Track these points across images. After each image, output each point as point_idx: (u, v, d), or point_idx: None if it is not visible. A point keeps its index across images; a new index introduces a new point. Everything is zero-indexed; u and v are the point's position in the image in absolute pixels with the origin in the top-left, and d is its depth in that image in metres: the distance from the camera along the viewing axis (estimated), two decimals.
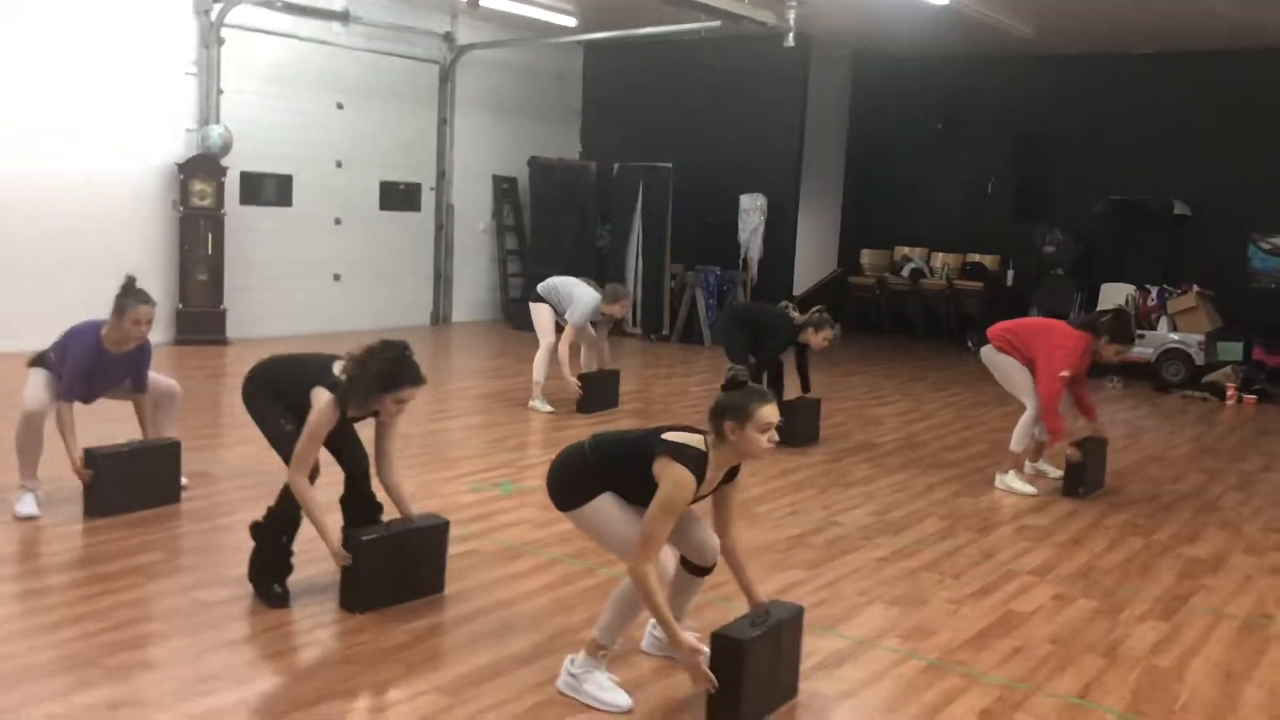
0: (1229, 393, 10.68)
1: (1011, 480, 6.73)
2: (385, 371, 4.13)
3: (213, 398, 8.85)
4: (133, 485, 5.37)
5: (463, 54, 13.54)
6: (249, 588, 4.44)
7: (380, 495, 4.61)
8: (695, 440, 3.48)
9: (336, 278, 12.67)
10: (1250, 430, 9.30)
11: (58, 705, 3.39)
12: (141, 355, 5.46)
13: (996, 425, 8.91)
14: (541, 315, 8.72)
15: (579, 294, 8.52)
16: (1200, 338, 11.40)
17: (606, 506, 3.58)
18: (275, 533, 4.38)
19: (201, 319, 11.09)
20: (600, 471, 3.60)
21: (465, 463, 6.86)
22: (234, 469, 6.37)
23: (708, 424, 3.50)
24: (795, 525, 5.77)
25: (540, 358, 8.68)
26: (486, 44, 13.61)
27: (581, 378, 8.59)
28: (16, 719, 3.28)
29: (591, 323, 8.73)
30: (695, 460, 3.42)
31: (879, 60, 14.71)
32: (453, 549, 5.03)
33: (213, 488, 5.81)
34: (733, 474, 3.63)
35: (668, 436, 3.49)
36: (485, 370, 10.95)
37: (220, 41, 11.16)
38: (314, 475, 4.34)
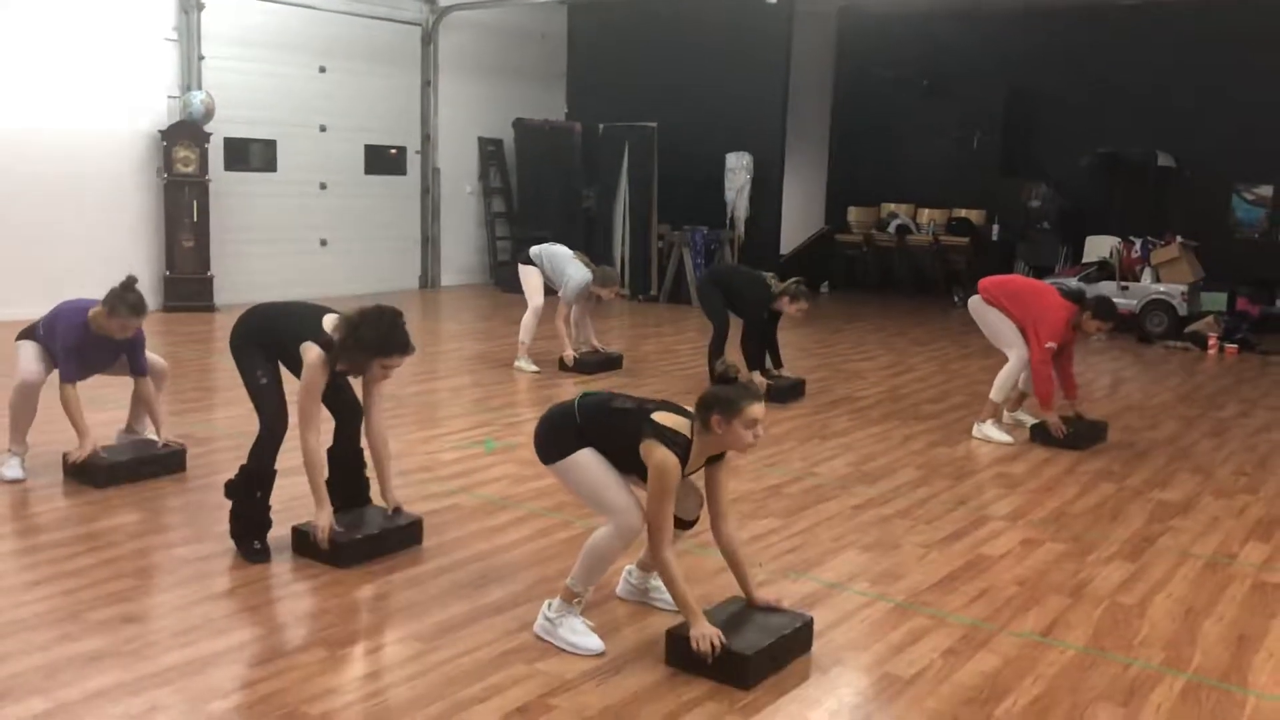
0: (1211, 343, 10.76)
1: (989, 429, 6.81)
2: (376, 339, 4.19)
3: (201, 363, 8.90)
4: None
5: (445, 15, 13.47)
6: (229, 544, 4.52)
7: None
8: (682, 426, 3.56)
9: (323, 243, 12.69)
10: (1230, 379, 9.38)
11: (39, 657, 3.47)
12: (134, 341, 5.50)
13: (977, 378, 8.99)
14: (530, 278, 8.75)
15: (571, 272, 8.55)
16: (1183, 288, 11.46)
17: (586, 461, 3.63)
18: (250, 489, 4.45)
19: (188, 285, 11.12)
20: (586, 434, 3.65)
21: (450, 422, 6.93)
22: (221, 431, 6.44)
23: (695, 413, 3.56)
24: (773, 476, 5.85)
25: (527, 320, 8.72)
26: (469, 4, 13.54)
27: (580, 363, 8.64)
28: None
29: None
30: (681, 446, 3.51)
31: (863, 17, 14.66)
32: (434, 504, 5.15)
33: (197, 449, 5.87)
34: (719, 454, 3.68)
35: (656, 418, 3.55)
36: (473, 333, 11.00)
37: (200, 7, 11.11)
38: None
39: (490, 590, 4.16)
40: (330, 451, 4.67)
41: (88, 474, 5.29)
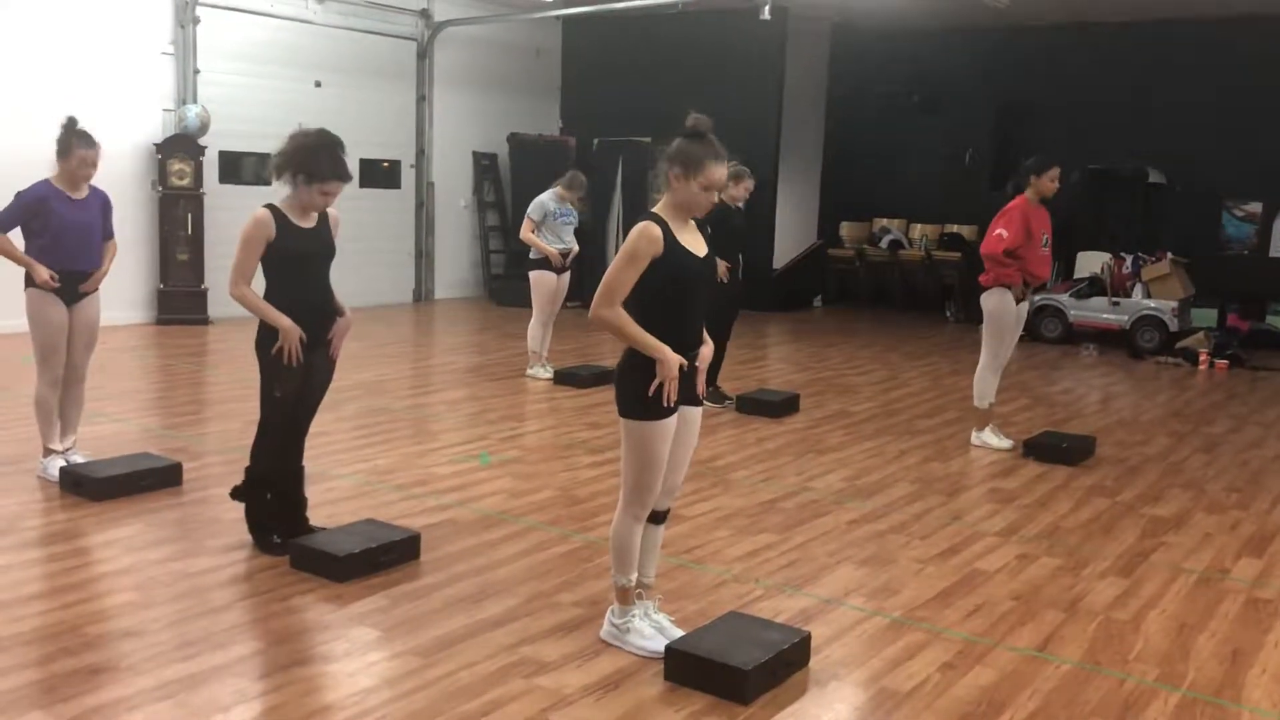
0: (1201, 358, 10.82)
1: (987, 436, 6.85)
2: (315, 161, 4.28)
3: (195, 376, 8.91)
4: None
5: (440, 30, 13.52)
6: (227, 558, 4.54)
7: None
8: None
9: None
10: (1220, 394, 9.44)
11: (38, 672, 3.47)
12: (105, 204, 5.52)
13: (969, 393, 8.97)
14: (541, 285, 8.73)
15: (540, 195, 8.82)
16: (1174, 304, 11.53)
17: (652, 436, 3.53)
18: (257, 490, 4.51)
19: (183, 298, 11.12)
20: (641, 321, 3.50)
21: (445, 435, 6.94)
22: (215, 445, 6.43)
23: (659, 170, 3.54)
24: (768, 491, 5.87)
25: (533, 329, 8.77)
26: (464, 20, 13.60)
27: (576, 377, 8.67)
28: None
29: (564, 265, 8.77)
30: (648, 215, 3.50)
31: (856, 33, 14.74)
32: (431, 518, 5.16)
33: (193, 463, 5.87)
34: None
35: None
36: (467, 346, 11.01)
37: (196, 21, 11.15)
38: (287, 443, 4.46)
39: (488, 605, 4.17)
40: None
41: (82, 487, 5.29)
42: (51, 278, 5.29)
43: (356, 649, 3.76)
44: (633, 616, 3.74)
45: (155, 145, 10.89)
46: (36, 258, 5.31)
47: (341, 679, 3.53)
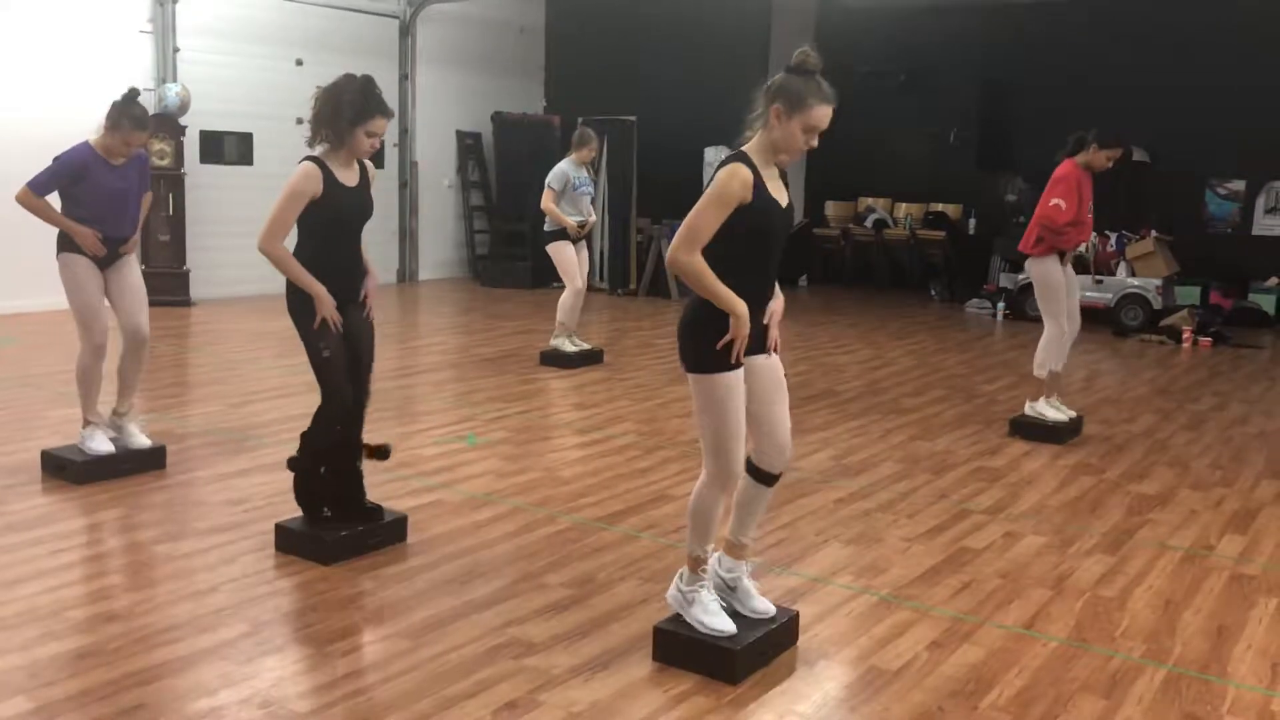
0: (1185, 336, 10.86)
1: (1042, 407, 6.78)
2: (354, 101, 4.18)
3: (177, 359, 8.84)
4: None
5: (423, 8, 13.41)
6: (212, 541, 4.51)
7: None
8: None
9: None
10: (1204, 372, 9.48)
11: (21, 656, 3.44)
12: (142, 164, 5.44)
13: (955, 371, 9.06)
14: (563, 256, 8.62)
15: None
16: (1158, 282, 11.56)
17: (725, 389, 3.35)
18: (312, 464, 4.40)
19: (164, 280, 11.01)
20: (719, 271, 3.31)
21: (431, 416, 6.91)
22: (198, 427, 6.39)
23: (759, 100, 3.32)
24: None
25: (565, 299, 8.64)
26: None
27: (560, 358, 8.64)
28: None
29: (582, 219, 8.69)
30: (737, 155, 3.31)
31: (842, 10, 14.66)
32: (417, 500, 5.14)
33: (176, 445, 5.82)
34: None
35: None
36: (453, 327, 10.96)
37: None
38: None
39: (476, 586, 4.15)
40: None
41: (65, 471, 5.24)
42: (97, 237, 5.19)
43: (344, 631, 3.74)
44: (701, 587, 3.55)
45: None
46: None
47: (329, 661, 3.51)
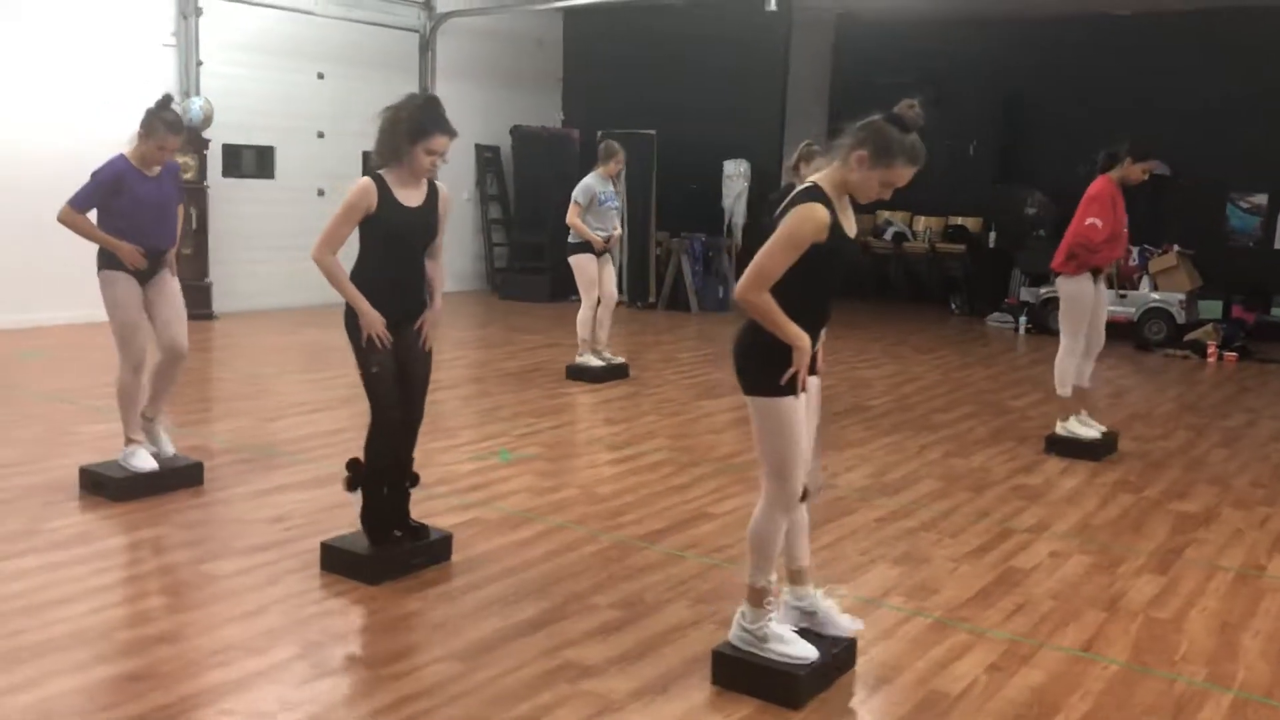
0: (1210, 351, 10.80)
1: (1072, 425, 6.72)
2: (413, 119, 4.15)
3: (202, 373, 8.80)
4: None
5: (443, 21, 13.42)
6: (255, 560, 4.47)
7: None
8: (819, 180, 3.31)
9: None
10: (1232, 387, 9.42)
11: (76, 679, 3.40)
12: (175, 174, 5.42)
13: (982, 387, 9.01)
14: (583, 269, 8.56)
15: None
16: (1181, 297, 11.51)
17: (785, 411, 3.31)
18: (373, 486, 4.37)
19: (187, 293, 10.58)
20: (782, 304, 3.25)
21: (463, 432, 6.87)
22: (231, 443, 6.36)
23: (847, 135, 3.27)
24: None
25: (583, 316, 8.61)
26: (466, 11, 13.50)
27: (586, 372, 8.60)
28: (37, 692, 3.30)
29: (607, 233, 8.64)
30: (814, 193, 3.24)
31: (861, 25, 14.68)
32: (455, 517, 5.10)
33: (211, 462, 5.79)
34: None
35: None
36: (474, 340, 10.93)
37: (198, 12, 11.04)
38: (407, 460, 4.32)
39: (524, 607, 4.11)
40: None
41: (104, 488, 5.21)
42: (138, 251, 5.17)
43: (396, 654, 3.70)
44: (769, 620, 3.47)
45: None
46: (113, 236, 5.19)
47: (385, 685, 3.47)
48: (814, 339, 3.39)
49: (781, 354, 3.28)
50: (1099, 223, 6.52)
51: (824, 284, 3.37)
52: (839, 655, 3.57)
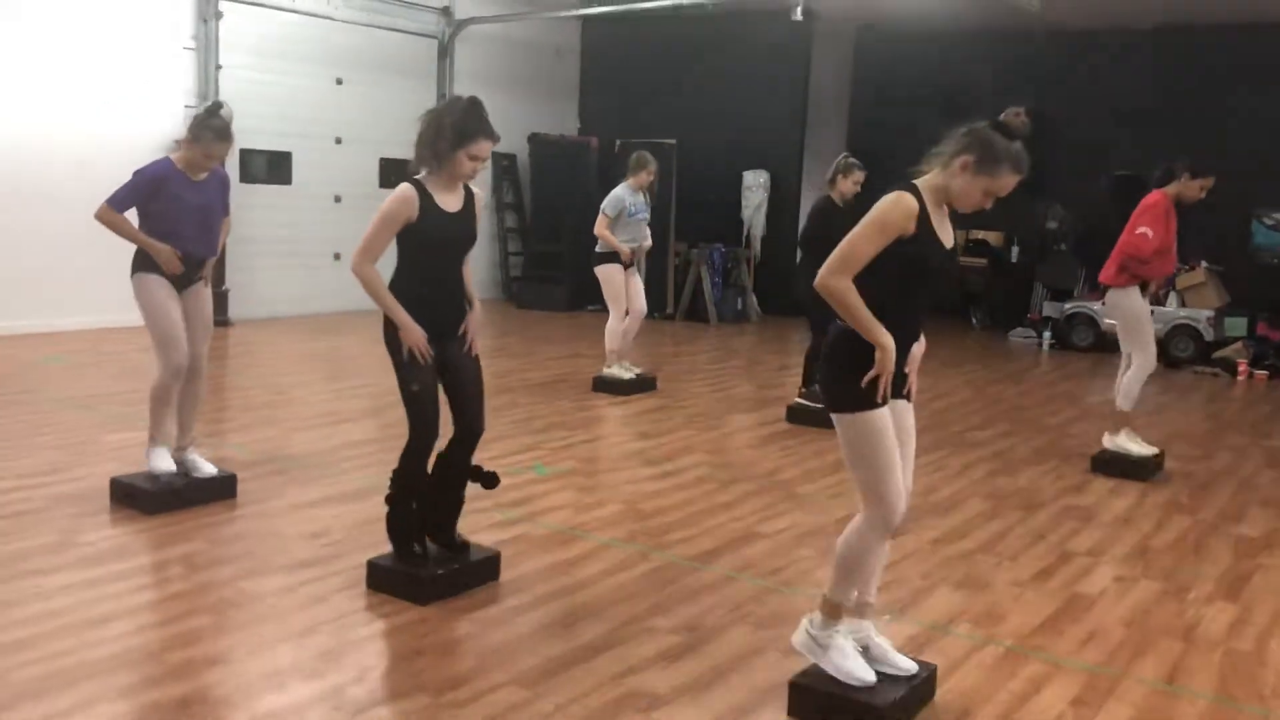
0: (1240, 368, 10.67)
1: (1123, 440, 6.58)
2: (458, 123, 4.01)
3: (219, 380, 8.65)
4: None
5: (461, 28, 13.31)
6: (297, 577, 4.32)
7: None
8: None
9: (337, 257, 12.42)
10: (1268, 406, 9.29)
11: (124, 703, 3.25)
12: (223, 182, 5.27)
13: (1016, 404, 8.88)
14: (610, 280, 8.39)
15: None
16: (1209, 313, 11.39)
17: (875, 428, 3.17)
18: (403, 498, 4.22)
19: None
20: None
21: (496, 445, 6.70)
22: (261, 454, 6.20)
23: (954, 140, 3.20)
24: (841, 507, 5.66)
25: (611, 326, 8.45)
26: (485, 18, 13.38)
27: (613, 385, 8.45)
28: (81, 718, 3.14)
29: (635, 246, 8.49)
30: (907, 185, 3.18)
31: (882, 36, 14.58)
32: (500, 534, 4.95)
33: (243, 474, 5.62)
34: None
35: None
36: (494, 350, 10.78)
37: (218, 16, 10.91)
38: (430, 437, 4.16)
39: (582, 630, 3.96)
40: (440, 457, 4.31)
41: (136, 500, 5.05)
42: (176, 255, 5.02)
43: (456, 680, 3.54)
44: (837, 632, 3.35)
45: (176, 141, 10.60)
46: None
47: (448, 712, 3.31)
48: (902, 353, 3.24)
49: (866, 366, 3.14)
50: (1150, 232, 6.39)
51: (912, 290, 3.24)
52: (919, 687, 3.42)
